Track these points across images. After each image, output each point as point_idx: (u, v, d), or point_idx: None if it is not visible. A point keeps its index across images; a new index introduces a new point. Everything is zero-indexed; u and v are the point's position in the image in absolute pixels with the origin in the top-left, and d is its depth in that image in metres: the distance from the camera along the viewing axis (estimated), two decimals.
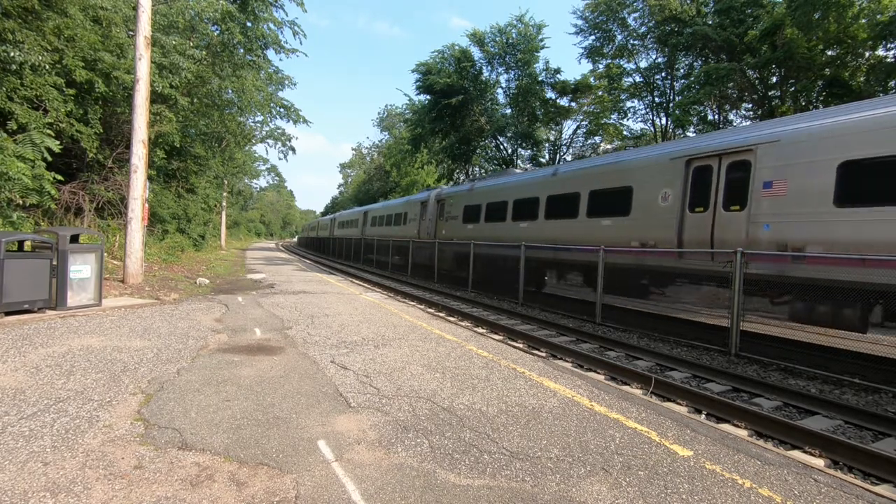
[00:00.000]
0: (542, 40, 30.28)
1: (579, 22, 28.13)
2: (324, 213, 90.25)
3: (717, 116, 23.74)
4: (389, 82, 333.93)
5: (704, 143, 9.16)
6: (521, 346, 7.56)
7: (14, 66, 10.76)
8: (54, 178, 11.43)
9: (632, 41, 26.90)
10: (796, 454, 3.95)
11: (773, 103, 20.57)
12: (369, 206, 31.84)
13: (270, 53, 21.23)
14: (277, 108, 24.89)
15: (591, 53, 28.66)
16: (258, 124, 29.86)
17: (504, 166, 34.38)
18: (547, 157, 33.54)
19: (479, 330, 8.70)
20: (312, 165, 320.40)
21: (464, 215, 17.42)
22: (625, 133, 30.33)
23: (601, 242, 10.09)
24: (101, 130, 13.48)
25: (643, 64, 27.37)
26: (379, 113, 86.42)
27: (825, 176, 6.90)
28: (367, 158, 75.71)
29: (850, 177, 6.69)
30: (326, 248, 38.66)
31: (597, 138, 31.81)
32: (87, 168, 14.50)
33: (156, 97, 13.49)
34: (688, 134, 23.86)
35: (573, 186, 12.02)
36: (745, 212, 7.97)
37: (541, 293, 13.59)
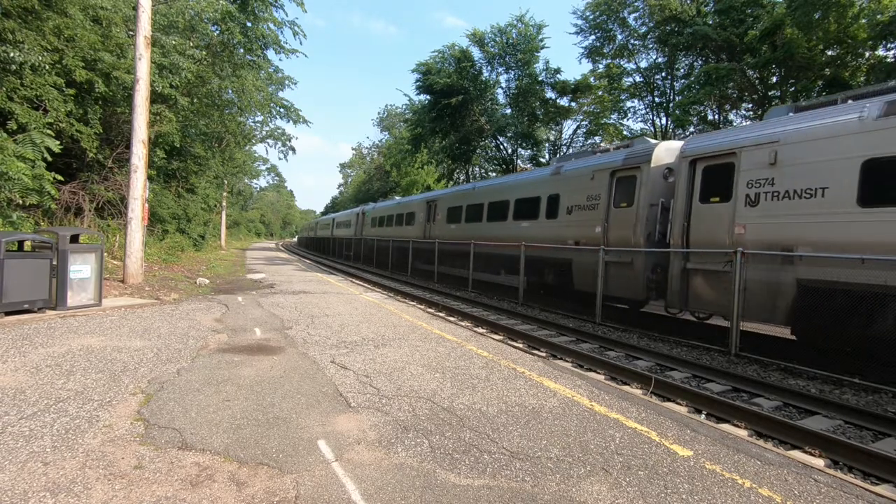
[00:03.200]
0: (542, 40, 30.26)
1: (579, 22, 28.14)
2: (324, 213, 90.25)
3: (717, 116, 23.73)
4: (388, 82, 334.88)
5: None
6: (521, 345, 7.55)
7: (14, 66, 10.76)
8: (54, 178, 11.43)
9: (632, 41, 26.89)
10: (796, 454, 3.95)
11: (774, 103, 20.56)
12: (372, 205, 31.72)
13: (270, 53, 21.23)
14: (277, 108, 24.90)
15: (592, 53, 28.65)
16: (258, 124, 29.89)
17: (504, 166, 34.42)
18: (547, 157, 33.54)
19: (479, 330, 8.70)
20: (311, 165, 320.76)
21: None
22: (625, 133, 30.32)
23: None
24: (101, 130, 13.49)
25: (643, 64, 27.38)
26: (379, 113, 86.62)
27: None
28: (367, 158, 75.72)
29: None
30: (328, 248, 38.69)
31: (597, 138, 31.80)
32: (87, 168, 14.50)
33: (156, 97, 13.49)
34: (688, 134, 23.86)
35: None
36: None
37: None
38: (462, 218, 17.51)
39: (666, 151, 9.88)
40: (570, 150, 32.48)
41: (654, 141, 10.53)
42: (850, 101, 7.15)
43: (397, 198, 34.32)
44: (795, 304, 6.97)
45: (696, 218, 8.65)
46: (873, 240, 6.15)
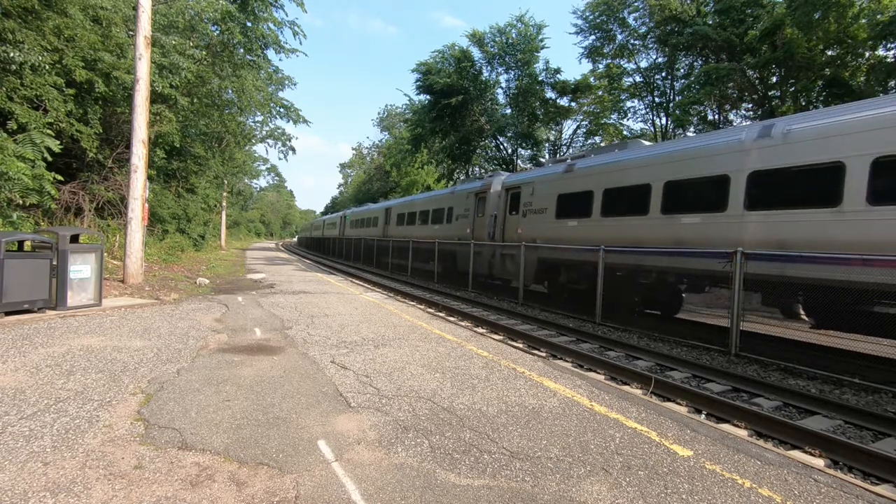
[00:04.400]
0: (542, 40, 30.28)
1: (579, 22, 28.15)
2: (324, 213, 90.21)
3: (717, 116, 23.73)
4: (387, 81, 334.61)
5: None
6: (521, 345, 7.55)
7: (14, 66, 10.76)
8: (54, 178, 11.42)
9: (632, 41, 26.89)
10: (796, 454, 3.95)
11: (773, 103, 20.57)
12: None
13: (271, 53, 21.24)
14: (277, 108, 24.88)
15: (592, 53, 28.65)
16: (258, 124, 29.86)
17: (504, 166, 34.41)
18: (547, 157, 33.54)
19: (479, 330, 8.70)
20: (309, 165, 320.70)
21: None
22: (625, 133, 30.32)
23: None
24: (101, 130, 13.48)
25: (643, 64, 27.38)
26: (379, 113, 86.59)
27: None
28: (367, 158, 75.69)
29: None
30: (327, 248, 38.85)
31: (597, 138, 31.80)
32: (87, 168, 14.50)
33: (156, 97, 13.49)
34: (688, 134, 23.86)
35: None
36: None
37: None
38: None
39: (500, 182, 15.41)
40: (570, 151, 32.57)
41: (502, 174, 16.64)
42: (550, 164, 14.55)
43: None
44: (538, 271, 12.69)
45: (506, 223, 14.56)
46: (563, 236, 11.77)
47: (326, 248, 40.01)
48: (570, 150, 32.95)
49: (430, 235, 19.21)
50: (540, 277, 13.01)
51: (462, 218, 17.34)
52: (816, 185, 7.05)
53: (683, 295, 10.94)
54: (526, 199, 13.51)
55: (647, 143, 11.99)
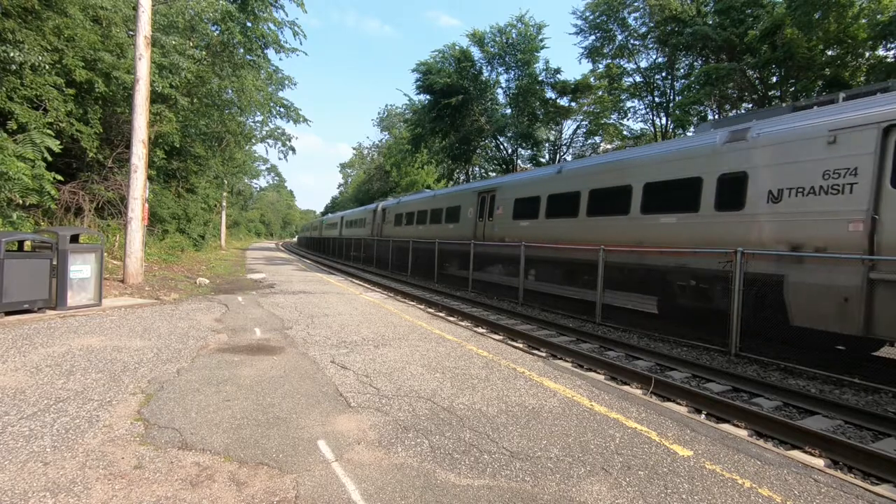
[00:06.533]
0: (542, 40, 30.29)
1: (579, 22, 28.16)
2: (324, 213, 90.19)
3: (717, 116, 23.72)
4: (385, 81, 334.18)
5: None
6: (521, 345, 7.55)
7: (14, 66, 10.76)
8: (54, 177, 11.42)
9: (632, 41, 26.91)
10: (796, 454, 3.95)
11: (774, 103, 20.56)
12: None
13: (270, 53, 21.22)
14: (277, 108, 24.86)
15: (592, 53, 28.65)
16: (258, 124, 29.83)
17: (504, 166, 34.41)
18: (547, 157, 33.54)
19: (479, 330, 8.70)
20: (308, 165, 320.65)
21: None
22: (625, 133, 30.33)
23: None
24: (101, 130, 13.48)
25: (643, 64, 27.40)
26: (379, 113, 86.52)
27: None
28: (368, 158, 75.68)
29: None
30: (332, 248, 38.74)
31: (597, 138, 31.80)
32: (87, 168, 14.50)
33: (156, 97, 13.49)
34: (688, 133, 23.86)
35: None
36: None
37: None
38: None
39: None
40: (570, 151, 32.57)
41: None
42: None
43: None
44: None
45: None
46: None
47: (326, 247, 40.16)
48: (570, 150, 32.95)
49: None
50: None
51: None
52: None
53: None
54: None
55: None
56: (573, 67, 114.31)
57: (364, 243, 27.39)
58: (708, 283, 8.26)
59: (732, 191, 7.97)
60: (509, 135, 32.70)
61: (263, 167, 54.21)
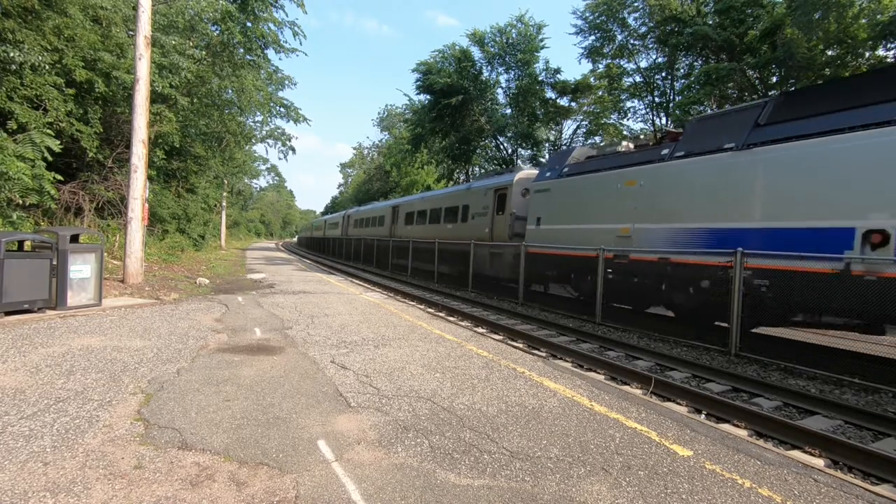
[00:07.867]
0: (542, 40, 30.27)
1: (579, 22, 28.07)
2: (324, 213, 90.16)
3: None
4: (384, 81, 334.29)
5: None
6: (521, 345, 7.55)
7: (14, 66, 10.76)
8: (54, 177, 11.42)
9: (632, 41, 26.85)
10: (796, 454, 3.95)
11: None
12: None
13: (271, 53, 21.21)
14: (277, 108, 24.85)
15: (591, 53, 28.60)
16: (258, 124, 29.82)
17: (504, 166, 34.41)
18: (547, 156, 33.52)
19: (479, 330, 8.70)
20: (308, 165, 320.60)
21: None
22: (625, 133, 30.28)
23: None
24: (101, 130, 13.48)
25: (643, 64, 27.33)
26: (379, 113, 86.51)
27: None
28: (368, 158, 75.66)
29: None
30: (332, 248, 38.61)
31: (597, 138, 31.77)
32: (87, 168, 14.50)
33: (156, 97, 13.49)
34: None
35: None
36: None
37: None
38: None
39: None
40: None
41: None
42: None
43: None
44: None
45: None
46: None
47: (327, 247, 39.99)
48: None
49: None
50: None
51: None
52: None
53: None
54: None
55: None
56: (573, 67, 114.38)
57: (364, 243, 27.38)
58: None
59: (464, 213, 17.58)
60: (509, 135, 32.67)
61: (263, 167, 54.12)
